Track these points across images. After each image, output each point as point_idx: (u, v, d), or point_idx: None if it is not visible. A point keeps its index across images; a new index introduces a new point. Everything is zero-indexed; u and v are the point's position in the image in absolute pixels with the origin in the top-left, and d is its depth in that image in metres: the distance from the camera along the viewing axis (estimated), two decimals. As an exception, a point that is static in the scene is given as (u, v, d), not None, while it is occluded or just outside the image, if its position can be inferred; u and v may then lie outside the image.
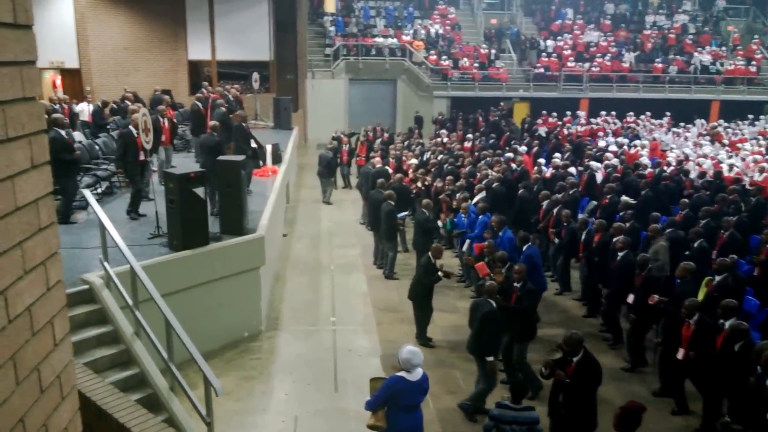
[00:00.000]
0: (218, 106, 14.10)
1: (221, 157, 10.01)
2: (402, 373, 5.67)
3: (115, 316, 7.11)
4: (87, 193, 7.90)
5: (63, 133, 9.88)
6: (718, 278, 8.61)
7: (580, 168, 16.21)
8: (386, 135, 22.11)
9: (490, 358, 7.53)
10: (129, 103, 14.65)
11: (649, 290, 8.45)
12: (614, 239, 9.83)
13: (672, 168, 16.51)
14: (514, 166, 15.83)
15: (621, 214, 11.64)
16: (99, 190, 11.34)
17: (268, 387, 8.39)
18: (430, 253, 9.44)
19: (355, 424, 6.25)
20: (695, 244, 9.94)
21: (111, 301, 7.22)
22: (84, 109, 17.68)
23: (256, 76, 21.64)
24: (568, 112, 27.01)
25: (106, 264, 7.32)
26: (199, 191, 8.52)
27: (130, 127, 10.46)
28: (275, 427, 7.48)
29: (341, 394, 8.08)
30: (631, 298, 8.84)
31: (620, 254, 9.35)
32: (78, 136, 14.14)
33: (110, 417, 4.96)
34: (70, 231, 9.53)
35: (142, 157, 10.34)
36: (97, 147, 13.28)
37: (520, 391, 5.95)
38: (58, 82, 22.00)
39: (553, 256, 11.87)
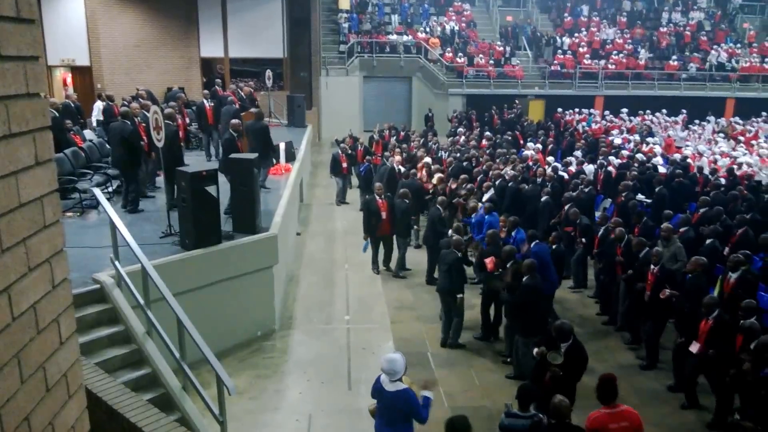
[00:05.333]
0: (229, 103, 14.14)
1: (233, 155, 9.97)
2: (382, 377, 5.58)
3: (127, 315, 7.10)
4: (97, 192, 7.89)
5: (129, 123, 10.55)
6: (734, 275, 8.49)
7: (595, 165, 16.08)
8: (402, 133, 22.06)
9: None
10: (142, 101, 14.67)
11: (663, 284, 8.39)
12: (630, 239, 9.73)
13: (689, 164, 16.36)
14: (530, 163, 15.72)
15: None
16: (110, 189, 11.35)
17: (281, 385, 8.36)
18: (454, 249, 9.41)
19: (368, 423, 6.20)
20: (706, 242, 9.83)
21: (122, 300, 7.21)
22: (100, 108, 17.75)
23: (269, 73, 21.64)
24: (584, 110, 26.82)
25: (117, 263, 7.30)
26: (212, 189, 8.48)
27: (125, 121, 10.54)
28: (289, 426, 7.45)
29: (355, 393, 8.03)
30: (646, 296, 8.75)
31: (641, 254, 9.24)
32: (89, 134, 14.21)
33: (121, 416, 4.94)
34: (80, 230, 9.55)
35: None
36: (107, 146, 13.30)
37: (527, 398, 5.83)
38: (69, 80, 22.10)
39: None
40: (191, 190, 8.32)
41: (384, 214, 11.75)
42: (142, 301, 6.96)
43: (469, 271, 10.54)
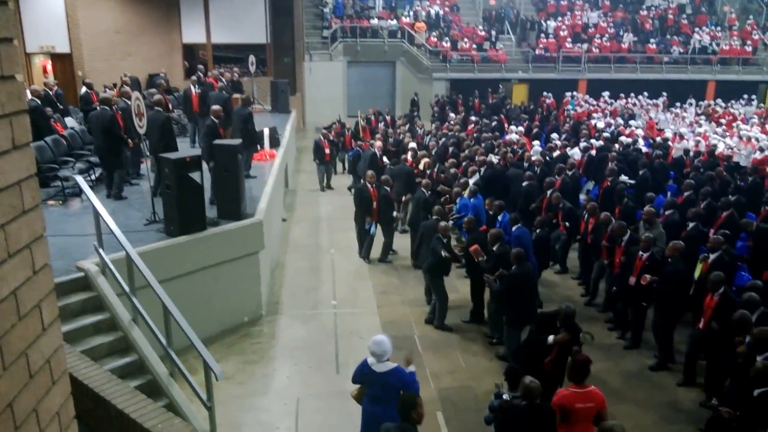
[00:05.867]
0: (220, 90, 14.05)
1: (217, 141, 9.90)
2: (370, 360, 5.66)
3: (112, 303, 7.06)
4: (80, 180, 7.79)
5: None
6: (713, 256, 8.60)
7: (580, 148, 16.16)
8: (389, 118, 22.03)
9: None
10: (126, 88, 14.53)
11: (650, 273, 8.45)
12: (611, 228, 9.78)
13: (669, 146, 16.51)
14: (516, 148, 15.77)
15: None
16: (92, 177, 11.24)
17: (269, 370, 8.38)
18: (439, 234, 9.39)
19: (356, 406, 6.24)
20: (690, 225, 9.92)
21: (107, 288, 7.17)
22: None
23: (252, 59, 21.46)
24: (567, 93, 26.92)
25: (101, 251, 7.25)
26: (196, 176, 8.43)
27: (105, 108, 10.44)
28: (277, 410, 7.48)
29: (343, 376, 8.05)
30: (632, 281, 8.81)
31: (623, 239, 9.29)
32: (70, 121, 14.04)
33: (108, 404, 4.93)
34: (63, 218, 9.47)
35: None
36: (89, 133, 13.15)
37: (515, 378, 5.90)
38: (49, 67, 21.78)
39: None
40: (175, 177, 8.27)
41: (375, 203, 11.72)
42: (127, 289, 6.91)
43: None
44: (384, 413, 5.45)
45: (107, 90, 13.68)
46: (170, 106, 14.94)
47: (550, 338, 6.79)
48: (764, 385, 5.28)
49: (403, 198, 12.88)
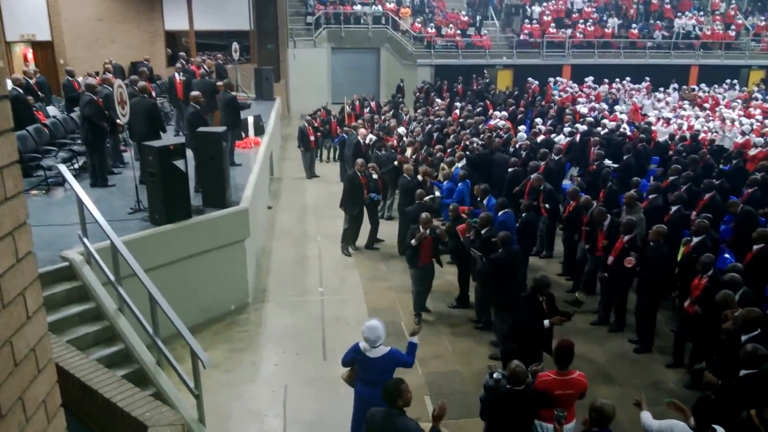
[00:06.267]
0: (202, 76, 13.94)
1: (201, 129, 9.83)
2: (362, 345, 5.69)
3: (97, 292, 7.02)
4: (63, 169, 7.72)
5: (95, 97, 10.38)
6: (695, 239, 8.69)
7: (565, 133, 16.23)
8: (374, 104, 21.97)
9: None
10: (110, 75, 14.36)
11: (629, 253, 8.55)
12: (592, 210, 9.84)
13: (653, 130, 16.62)
14: (501, 133, 15.79)
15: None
16: (76, 166, 11.12)
17: (256, 358, 8.38)
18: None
19: (345, 390, 6.28)
20: (673, 209, 10.00)
21: (92, 277, 7.13)
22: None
23: (236, 46, 21.29)
24: (550, 78, 26.98)
25: (85, 240, 7.20)
26: (180, 164, 8.37)
27: (88, 93, 10.37)
28: (265, 397, 7.49)
29: (330, 363, 8.07)
30: (610, 260, 8.90)
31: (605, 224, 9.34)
32: (52, 110, 13.88)
33: (95, 393, 4.91)
34: (47, 208, 9.39)
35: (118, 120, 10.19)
36: (71, 121, 13.01)
37: (511, 357, 5.94)
38: (30, 55, 21.49)
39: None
40: (159, 165, 8.20)
41: (366, 191, 11.64)
42: (112, 278, 6.89)
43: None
44: (378, 396, 5.47)
45: (89, 77, 13.49)
46: (153, 93, 14.81)
47: (546, 322, 6.86)
48: (751, 367, 5.36)
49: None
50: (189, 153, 9.04)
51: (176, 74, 14.82)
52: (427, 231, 8.82)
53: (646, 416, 5.04)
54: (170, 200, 8.41)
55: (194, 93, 11.02)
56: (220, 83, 13.76)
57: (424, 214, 8.95)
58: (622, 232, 8.78)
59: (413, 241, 8.86)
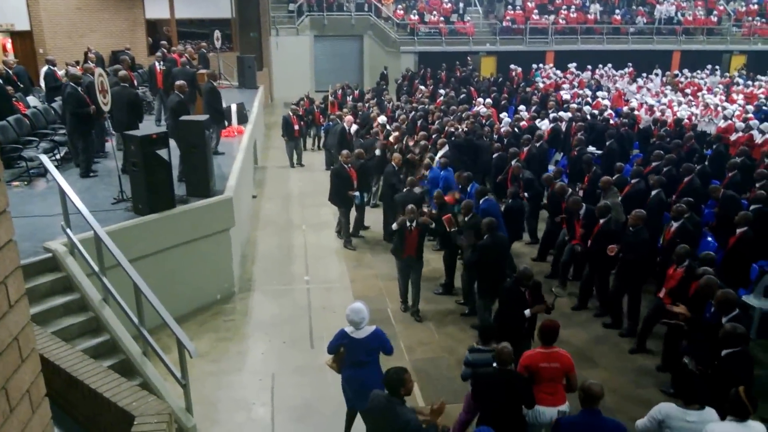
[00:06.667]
0: (183, 65, 13.82)
1: (184, 117, 9.75)
2: (348, 329, 5.78)
3: (82, 283, 6.97)
4: (45, 159, 7.64)
5: (79, 88, 10.25)
6: (675, 224, 8.76)
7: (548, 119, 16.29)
8: (356, 92, 21.91)
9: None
10: (91, 64, 14.19)
11: (607, 239, 8.61)
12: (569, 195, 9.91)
13: (637, 116, 16.73)
14: (483, 121, 15.82)
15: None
16: (57, 156, 11.00)
17: (243, 347, 8.38)
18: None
19: (332, 377, 6.30)
20: (653, 193, 10.09)
21: (76, 268, 7.07)
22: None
23: (218, 34, 21.11)
24: (533, 65, 27.02)
25: (68, 231, 7.14)
26: (163, 153, 8.30)
27: (72, 84, 10.26)
28: (252, 386, 7.49)
29: (317, 350, 8.09)
30: (589, 243, 8.99)
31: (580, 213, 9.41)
32: (32, 100, 13.70)
33: (81, 384, 4.88)
34: (29, 199, 9.29)
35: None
36: (53, 111, 12.86)
37: (488, 333, 6.15)
38: (9, 45, 21.18)
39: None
40: (142, 154, 8.13)
41: (355, 183, 11.41)
42: (96, 269, 6.84)
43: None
44: (368, 376, 5.70)
45: (69, 67, 13.33)
46: (135, 82, 14.68)
47: (527, 312, 6.91)
48: (732, 346, 5.44)
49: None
50: (172, 142, 8.98)
51: (156, 63, 14.68)
52: (413, 222, 8.79)
53: (638, 423, 5.08)
54: (153, 190, 8.35)
55: (179, 82, 10.94)
56: (202, 72, 13.66)
57: (409, 206, 8.92)
58: (597, 216, 8.87)
59: (394, 225, 8.89)
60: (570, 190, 10.18)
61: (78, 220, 7.03)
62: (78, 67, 12.64)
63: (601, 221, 8.80)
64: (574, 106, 18.01)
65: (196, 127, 9.34)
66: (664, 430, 4.79)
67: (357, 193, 11.39)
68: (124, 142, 9.12)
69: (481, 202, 9.79)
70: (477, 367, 5.88)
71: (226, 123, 13.96)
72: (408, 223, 8.75)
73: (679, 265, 7.49)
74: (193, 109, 12.04)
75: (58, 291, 6.96)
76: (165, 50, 16.53)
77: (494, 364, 5.51)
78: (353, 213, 11.96)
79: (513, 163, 11.59)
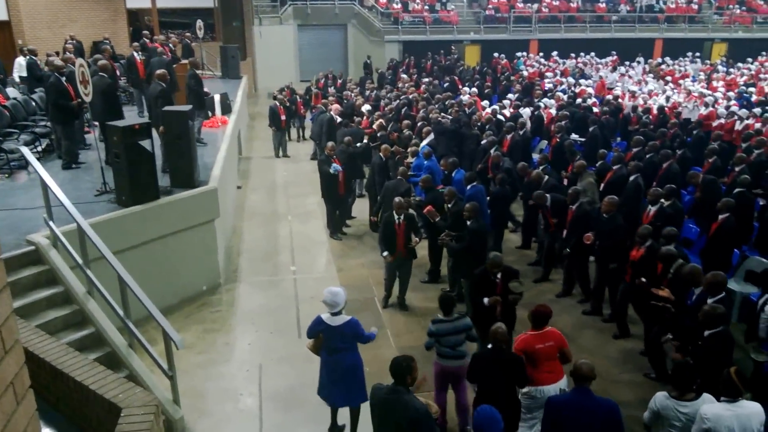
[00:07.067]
0: (159, 54, 13.69)
1: (167, 108, 9.67)
2: (324, 315, 5.90)
3: (65, 276, 6.92)
4: (26, 151, 7.55)
5: (63, 79, 10.15)
6: (653, 208, 8.84)
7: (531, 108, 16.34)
8: (339, 81, 21.83)
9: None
10: (70, 54, 13.99)
11: (581, 224, 8.70)
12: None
13: (621, 104, 16.84)
14: (467, 110, 15.82)
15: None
16: (39, 148, 10.88)
17: (230, 338, 8.37)
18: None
19: (318, 367, 6.30)
20: (630, 179, 10.16)
21: (59, 261, 7.01)
22: (22, 64, 16.83)
23: (200, 23, 20.91)
24: (517, 53, 27.06)
25: (51, 223, 7.08)
26: (146, 144, 8.23)
27: (56, 75, 10.17)
28: (240, 376, 7.49)
29: (304, 340, 7.99)
30: (561, 227, 9.11)
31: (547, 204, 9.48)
32: (12, 92, 13.52)
33: (66, 376, 4.85)
34: (10, 192, 9.19)
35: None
36: (33, 103, 12.70)
37: (448, 304, 6.27)
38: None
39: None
40: (124, 145, 8.05)
41: (341, 176, 11.29)
42: (80, 261, 6.79)
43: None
44: (343, 360, 5.94)
45: (50, 57, 13.14)
46: (118, 72, 14.52)
47: (486, 300, 6.94)
48: (713, 326, 5.51)
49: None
50: (155, 133, 8.91)
51: (134, 53, 14.51)
52: (401, 216, 8.75)
53: (644, 415, 5.13)
54: (137, 181, 8.28)
55: (160, 71, 10.85)
56: (185, 62, 13.53)
57: (397, 199, 8.85)
58: (568, 203, 8.94)
59: (373, 217, 8.91)
60: (546, 177, 10.19)
61: (61, 213, 6.97)
62: (50, 58, 12.46)
63: (573, 207, 8.88)
64: (560, 94, 18.07)
65: (179, 118, 9.26)
66: (661, 419, 4.86)
67: (336, 165, 11.17)
68: (105, 133, 9.04)
69: (468, 187, 9.82)
70: (440, 336, 6.14)
71: (209, 113, 13.87)
72: (396, 217, 8.73)
73: (641, 246, 7.58)
74: (174, 99, 11.94)
75: (42, 284, 6.90)
76: (147, 40, 16.36)
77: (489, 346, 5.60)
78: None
79: (492, 152, 11.61)
